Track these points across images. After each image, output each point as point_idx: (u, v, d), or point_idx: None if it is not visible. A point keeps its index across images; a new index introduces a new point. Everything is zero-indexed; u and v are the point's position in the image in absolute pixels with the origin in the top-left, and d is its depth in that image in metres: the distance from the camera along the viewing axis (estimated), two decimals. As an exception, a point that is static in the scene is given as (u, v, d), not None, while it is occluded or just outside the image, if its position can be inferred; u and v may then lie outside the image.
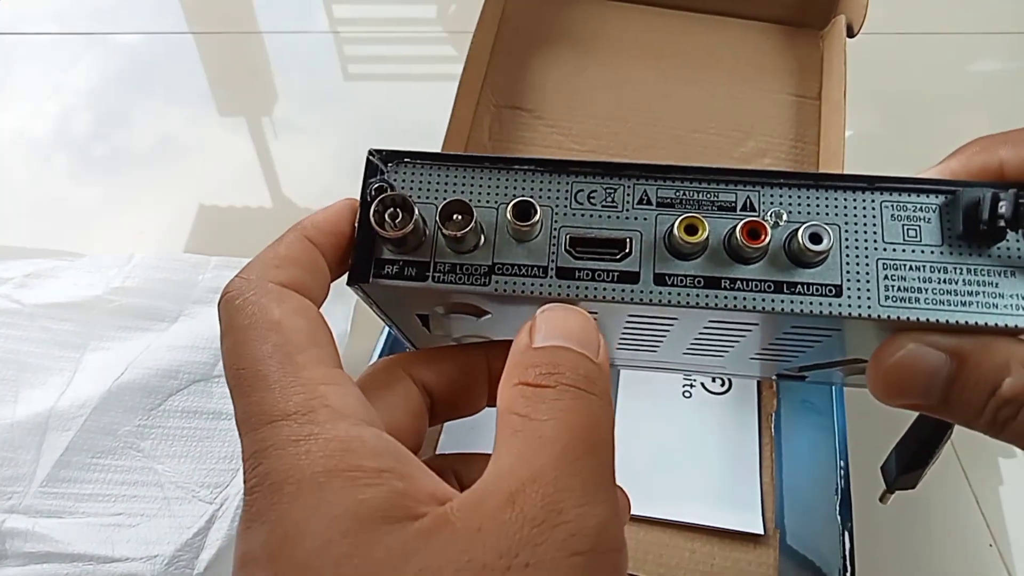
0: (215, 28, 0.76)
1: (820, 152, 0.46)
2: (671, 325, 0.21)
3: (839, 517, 0.35)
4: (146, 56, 0.73)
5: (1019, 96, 0.64)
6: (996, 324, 0.17)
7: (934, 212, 0.18)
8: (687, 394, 0.44)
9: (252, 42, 0.74)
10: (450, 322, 0.22)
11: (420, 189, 0.19)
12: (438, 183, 0.19)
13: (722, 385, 0.44)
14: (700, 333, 0.21)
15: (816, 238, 0.17)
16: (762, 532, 0.38)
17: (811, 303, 0.18)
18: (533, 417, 0.15)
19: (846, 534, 0.34)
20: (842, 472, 0.37)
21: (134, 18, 0.76)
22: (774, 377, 0.29)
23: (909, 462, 0.26)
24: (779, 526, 0.39)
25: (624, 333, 0.22)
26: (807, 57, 0.49)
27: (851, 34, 0.46)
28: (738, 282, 0.18)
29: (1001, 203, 0.17)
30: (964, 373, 0.17)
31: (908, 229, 0.18)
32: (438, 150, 0.44)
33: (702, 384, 0.44)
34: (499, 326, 0.23)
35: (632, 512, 0.40)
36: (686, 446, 0.42)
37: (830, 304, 0.18)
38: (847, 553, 0.34)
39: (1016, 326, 0.17)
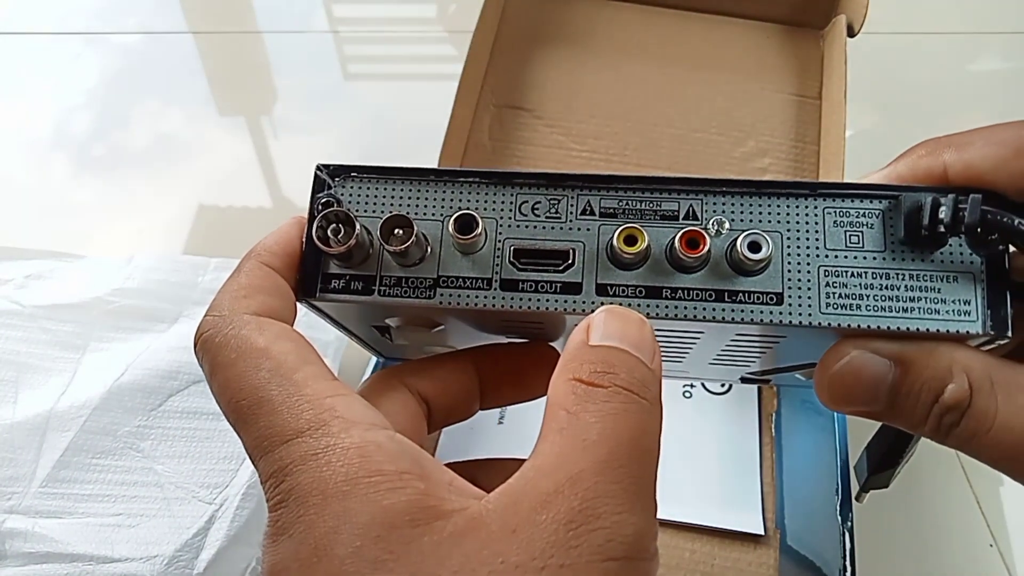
0: (215, 28, 0.76)
1: (820, 152, 0.46)
2: None
3: (839, 517, 0.35)
4: (145, 56, 0.73)
5: (1019, 96, 0.64)
6: (938, 330, 0.17)
7: (877, 218, 0.18)
8: (687, 394, 0.44)
9: (252, 42, 0.74)
10: (408, 333, 0.23)
11: (368, 203, 0.19)
12: (385, 197, 0.19)
13: (722, 385, 0.44)
14: (655, 337, 0.21)
15: (755, 247, 0.17)
16: (762, 532, 0.38)
17: (752, 311, 0.18)
18: (580, 416, 0.15)
19: (847, 534, 0.34)
20: (842, 472, 0.36)
21: (133, 18, 0.76)
22: (739, 380, 0.28)
23: (879, 462, 0.26)
24: (779, 526, 0.39)
25: None
26: (808, 57, 0.49)
27: (851, 34, 0.46)
28: (679, 291, 0.18)
29: (941, 208, 0.17)
30: (908, 380, 0.17)
31: (851, 235, 0.18)
32: (439, 149, 0.44)
33: (703, 384, 0.44)
34: (454, 336, 0.23)
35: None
36: (686, 446, 0.42)
37: (771, 312, 0.18)
38: (847, 553, 0.34)
39: (958, 331, 0.17)
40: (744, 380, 0.28)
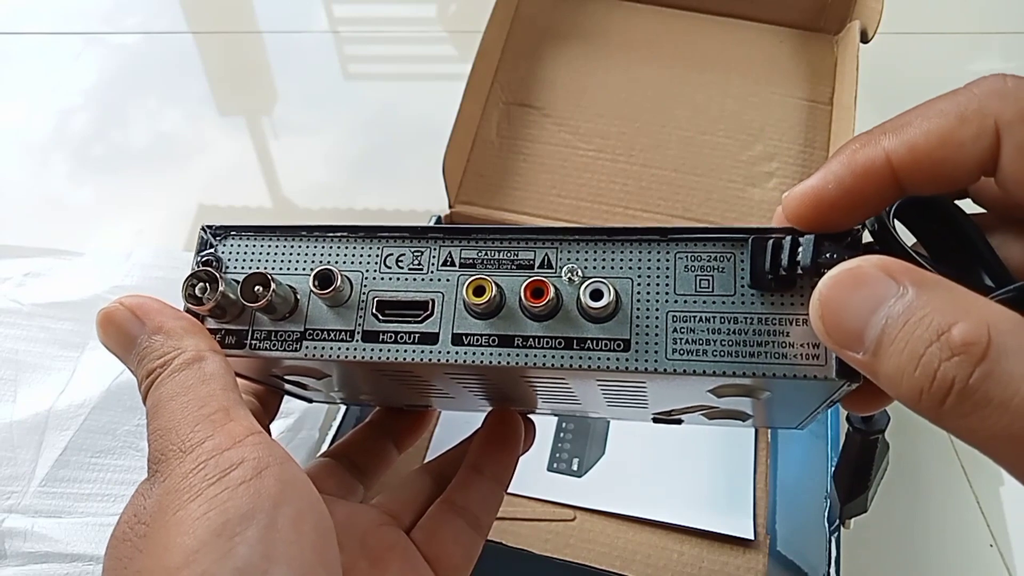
0: (214, 28, 0.76)
1: (829, 157, 0.46)
2: (489, 377, 0.21)
3: (826, 523, 0.34)
4: (145, 55, 0.73)
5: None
6: (784, 375, 0.17)
7: (728, 261, 0.18)
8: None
9: (252, 42, 0.74)
10: (312, 383, 0.23)
11: (247, 260, 0.20)
12: (261, 253, 0.20)
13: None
14: (529, 384, 0.21)
15: (597, 295, 0.17)
16: (752, 537, 0.38)
17: (599, 359, 0.18)
18: None
19: (832, 540, 0.34)
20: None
21: (133, 17, 0.76)
22: (650, 420, 0.28)
23: (849, 490, 0.25)
24: (770, 532, 0.39)
25: (462, 383, 0.22)
26: (821, 62, 0.49)
27: (865, 40, 0.46)
28: (530, 339, 0.18)
29: (783, 251, 0.17)
30: (914, 306, 0.13)
31: (701, 280, 0.18)
32: (444, 148, 0.44)
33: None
34: (357, 387, 0.24)
35: (624, 512, 0.41)
36: (682, 449, 0.42)
37: (617, 359, 0.18)
38: (832, 560, 0.33)
39: (805, 376, 0.17)
40: (655, 419, 0.27)
